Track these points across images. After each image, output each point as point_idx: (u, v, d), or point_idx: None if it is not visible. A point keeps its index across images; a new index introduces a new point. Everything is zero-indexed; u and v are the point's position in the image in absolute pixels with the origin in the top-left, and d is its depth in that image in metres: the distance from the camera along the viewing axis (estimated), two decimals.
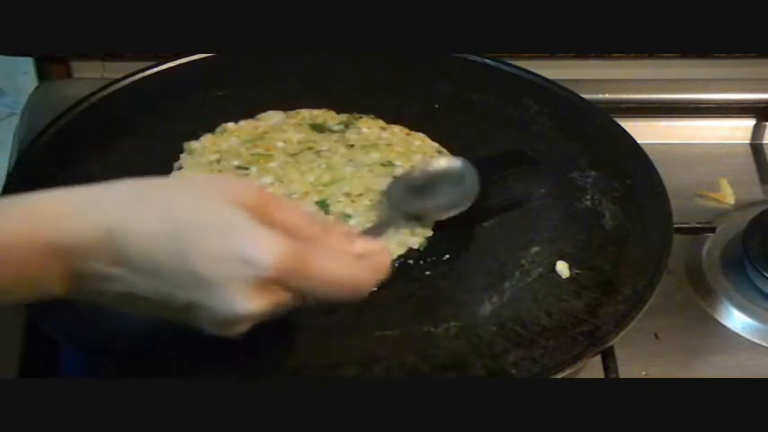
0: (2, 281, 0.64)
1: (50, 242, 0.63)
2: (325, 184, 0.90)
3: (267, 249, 0.63)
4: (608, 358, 0.82)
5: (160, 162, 0.92)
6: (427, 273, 0.85)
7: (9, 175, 0.91)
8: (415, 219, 0.86)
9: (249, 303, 0.64)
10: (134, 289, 0.65)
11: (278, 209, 0.67)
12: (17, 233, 0.63)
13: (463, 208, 0.87)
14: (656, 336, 0.89)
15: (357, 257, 0.68)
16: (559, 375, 0.77)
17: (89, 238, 0.64)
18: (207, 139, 0.94)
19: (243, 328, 0.66)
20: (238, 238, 0.64)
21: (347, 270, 0.67)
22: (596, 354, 0.80)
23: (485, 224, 0.89)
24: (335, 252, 0.68)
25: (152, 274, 0.64)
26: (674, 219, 0.89)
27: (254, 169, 0.91)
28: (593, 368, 0.83)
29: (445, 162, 0.89)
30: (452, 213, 0.87)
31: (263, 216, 0.65)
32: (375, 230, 0.82)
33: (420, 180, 0.88)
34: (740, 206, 1.01)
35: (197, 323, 0.66)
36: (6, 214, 0.65)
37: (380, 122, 0.97)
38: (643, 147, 0.95)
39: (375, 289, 0.71)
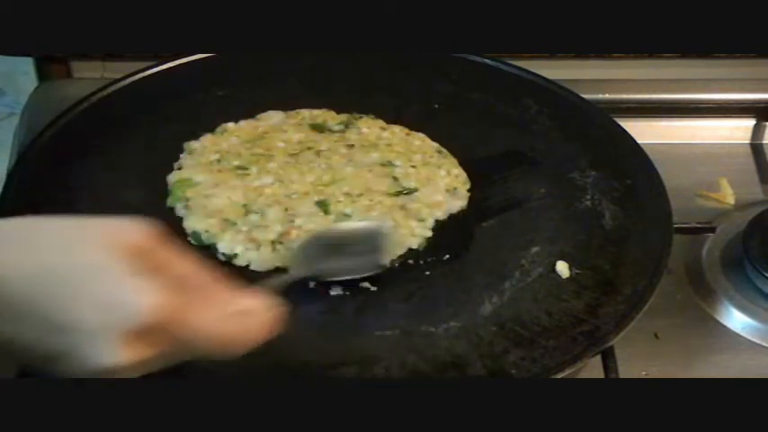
0: None
1: None
2: (325, 184, 0.90)
3: (141, 298, 0.61)
4: (608, 358, 0.82)
5: (160, 162, 0.92)
6: (427, 273, 0.85)
7: (9, 175, 0.91)
8: (319, 275, 0.82)
9: (118, 355, 0.62)
10: (5, 333, 0.63)
11: (166, 258, 0.65)
12: None
13: (371, 273, 0.83)
14: (656, 336, 0.89)
15: (240, 314, 0.66)
16: (559, 375, 0.77)
17: None
18: (207, 139, 0.94)
19: (125, 376, 0.64)
20: (111, 287, 0.62)
21: (225, 326, 0.65)
22: (596, 354, 0.80)
23: (485, 224, 0.89)
24: (218, 306, 0.65)
25: (22, 318, 0.62)
26: (674, 219, 0.89)
27: (254, 169, 0.91)
28: (593, 368, 0.83)
29: (361, 225, 0.85)
30: (357, 276, 0.83)
31: (150, 262, 0.63)
32: (276, 280, 0.78)
33: (334, 240, 0.83)
34: (740, 206, 1.01)
35: (67, 372, 0.64)
36: None
37: (380, 122, 0.97)
38: (643, 147, 0.95)
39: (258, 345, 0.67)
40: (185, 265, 0.66)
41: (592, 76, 1.09)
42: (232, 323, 0.65)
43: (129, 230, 0.64)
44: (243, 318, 0.66)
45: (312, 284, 0.83)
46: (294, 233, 0.85)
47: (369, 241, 0.83)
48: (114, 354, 0.62)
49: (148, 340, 0.62)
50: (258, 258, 0.84)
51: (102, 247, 0.63)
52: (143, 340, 0.62)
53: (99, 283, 0.62)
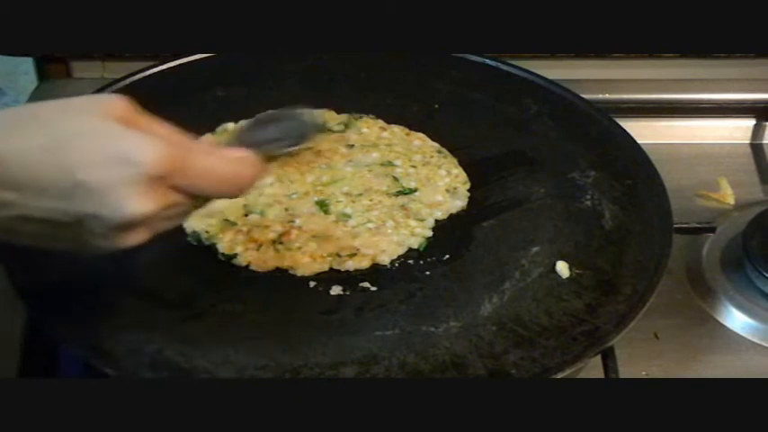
0: None
1: None
2: (325, 184, 0.90)
3: (146, 148, 0.65)
4: (608, 358, 0.82)
5: None
6: (427, 273, 0.85)
7: None
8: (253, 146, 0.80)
9: (136, 203, 0.65)
10: (24, 211, 0.66)
11: (147, 120, 0.69)
12: None
13: (300, 144, 0.79)
14: (656, 336, 0.89)
15: (231, 158, 0.70)
16: (559, 375, 0.77)
17: None
18: (207, 139, 0.94)
19: (138, 236, 0.67)
20: (116, 142, 0.65)
21: (228, 166, 0.69)
22: (596, 354, 0.80)
23: (485, 224, 0.89)
24: (211, 152, 0.70)
25: (38, 192, 0.65)
26: (674, 219, 0.89)
27: None
28: (593, 368, 0.83)
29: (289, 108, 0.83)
30: (288, 148, 0.79)
31: (136, 126, 0.67)
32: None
33: (262, 121, 0.81)
34: (740, 206, 1.01)
35: (91, 238, 0.67)
36: None
37: (380, 122, 0.97)
38: (643, 147, 0.95)
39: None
40: (165, 127, 0.69)
41: (592, 76, 1.09)
42: (231, 164, 0.70)
43: (113, 100, 0.68)
44: (237, 160, 0.70)
45: (312, 284, 0.83)
46: (294, 233, 0.85)
47: (296, 118, 0.82)
48: (131, 204, 0.65)
49: (161, 188, 0.66)
50: (258, 258, 0.84)
51: (98, 113, 0.66)
52: (155, 189, 0.66)
53: (103, 141, 0.65)
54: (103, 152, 0.65)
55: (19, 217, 0.66)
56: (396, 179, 0.91)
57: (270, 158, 0.79)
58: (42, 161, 0.65)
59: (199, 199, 0.69)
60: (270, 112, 0.83)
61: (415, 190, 0.90)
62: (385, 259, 0.85)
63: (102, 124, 0.66)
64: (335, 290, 0.82)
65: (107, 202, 0.65)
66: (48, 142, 0.65)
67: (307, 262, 0.84)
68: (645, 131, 1.02)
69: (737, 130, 1.10)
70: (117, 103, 0.68)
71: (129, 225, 0.66)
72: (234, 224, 0.86)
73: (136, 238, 0.67)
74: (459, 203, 0.90)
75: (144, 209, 0.65)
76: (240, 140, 0.80)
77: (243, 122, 0.85)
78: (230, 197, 0.71)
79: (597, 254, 0.86)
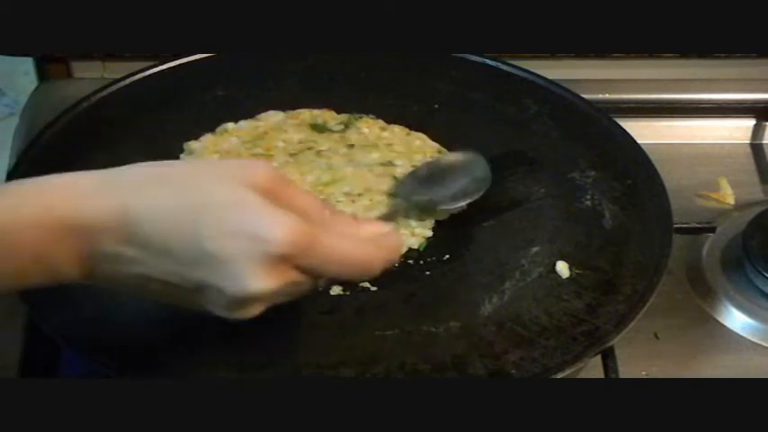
0: (18, 262, 0.65)
1: (65, 222, 0.64)
2: (325, 184, 0.90)
3: (277, 226, 0.64)
4: (608, 358, 0.82)
5: None
6: (427, 273, 0.85)
7: (9, 175, 0.91)
8: (427, 210, 0.87)
9: (259, 281, 0.64)
10: (147, 270, 0.65)
11: (290, 192, 0.68)
12: (32, 213, 0.64)
13: (474, 197, 0.88)
14: (656, 336, 0.89)
15: (368, 238, 0.70)
16: (559, 375, 0.77)
17: (104, 218, 0.64)
18: (207, 139, 0.94)
19: (255, 310, 0.66)
20: (249, 216, 0.64)
21: (358, 249, 0.68)
22: (596, 354, 0.80)
23: (485, 224, 0.89)
24: (346, 233, 0.69)
25: (164, 253, 0.64)
26: (674, 219, 0.89)
27: None
28: (593, 368, 0.83)
29: (454, 155, 0.91)
30: (463, 203, 0.87)
31: (276, 198, 0.66)
32: (385, 219, 0.82)
33: (430, 172, 0.89)
34: (740, 206, 1.01)
35: (209, 306, 0.66)
36: (20, 195, 0.66)
37: (380, 122, 0.97)
38: (643, 147, 0.95)
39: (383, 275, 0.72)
40: (307, 198, 0.69)
41: (592, 76, 1.09)
42: (362, 247, 0.69)
43: (256, 169, 0.67)
44: (371, 242, 0.70)
45: None
46: None
47: (464, 170, 0.88)
48: (253, 281, 0.64)
49: (285, 267, 0.65)
50: None
51: (235, 182, 0.66)
52: (280, 267, 0.65)
53: (236, 213, 0.65)
54: (235, 225, 0.64)
55: (142, 275, 0.66)
56: (396, 179, 0.91)
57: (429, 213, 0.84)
58: (174, 225, 0.64)
59: (323, 279, 0.69)
60: (434, 161, 0.91)
61: None
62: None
63: (240, 195, 0.65)
64: (335, 290, 0.82)
65: (229, 276, 0.64)
66: (183, 206, 0.65)
67: None
68: (645, 131, 1.02)
69: (737, 130, 1.10)
70: (261, 173, 0.67)
71: (247, 300, 0.65)
72: None
73: (253, 311, 0.66)
74: (459, 203, 0.90)
75: (264, 287, 0.65)
76: (405, 196, 0.85)
77: (408, 173, 0.89)
78: (358, 280, 0.71)
79: (597, 254, 0.86)
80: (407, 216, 0.86)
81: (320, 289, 0.69)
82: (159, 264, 0.65)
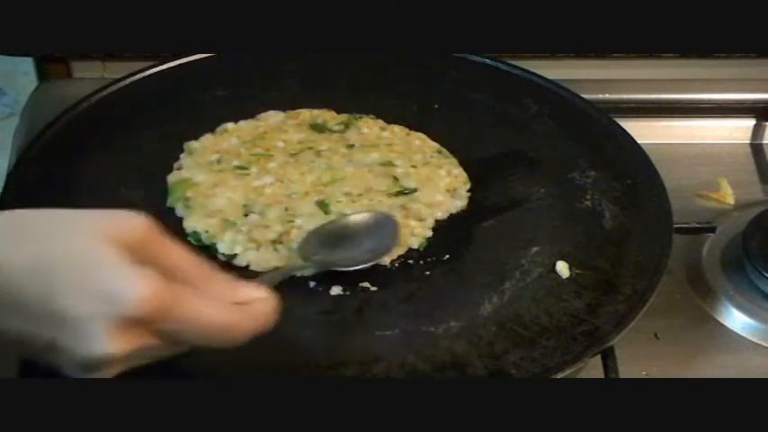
0: None
1: None
2: (325, 184, 0.90)
3: (134, 287, 0.61)
4: (608, 358, 0.82)
5: (160, 162, 0.92)
6: (427, 273, 0.85)
7: (9, 175, 0.91)
8: (325, 267, 0.82)
9: (111, 344, 0.61)
10: (0, 325, 0.63)
11: (162, 248, 0.65)
12: None
13: (378, 260, 0.83)
14: (656, 336, 0.89)
15: (236, 304, 0.66)
16: (559, 375, 0.77)
17: None
18: (207, 139, 0.94)
19: (110, 371, 0.63)
20: (104, 274, 0.61)
21: (222, 316, 0.64)
22: (596, 354, 0.80)
23: (485, 224, 0.89)
24: (214, 297, 0.65)
25: (17, 309, 0.62)
26: (674, 219, 0.89)
27: (254, 169, 0.91)
28: (593, 368, 0.83)
29: (362, 216, 0.86)
30: (365, 265, 0.83)
31: (145, 255, 0.63)
32: (276, 276, 0.78)
33: (334, 232, 0.84)
34: (740, 206, 1.01)
35: (62, 366, 0.64)
36: None
37: (380, 122, 0.97)
38: (643, 147, 0.95)
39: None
40: (181, 256, 0.65)
41: (592, 76, 1.09)
42: (228, 313, 0.65)
43: (124, 222, 0.64)
44: (239, 308, 0.65)
45: (312, 284, 0.83)
46: (294, 233, 0.85)
47: (371, 231, 0.84)
48: (105, 343, 0.61)
49: (141, 330, 0.62)
50: (258, 258, 0.84)
51: (96, 237, 0.62)
52: (135, 330, 0.62)
53: (91, 271, 0.61)
54: (88, 284, 0.61)
55: None
56: (396, 179, 0.91)
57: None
58: (29, 280, 0.61)
59: (183, 344, 0.65)
60: (339, 221, 0.85)
61: (415, 190, 0.90)
62: (385, 259, 0.85)
63: (98, 251, 0.62)
64: (335, 290, 0.82)
65: (80, 337, 0.61)
66: (39, 262, 0.61)
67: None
68: (645, 131, 1.02)
69: (737, 130, 1.10)
70: (129, 226, 0.64)
71: (99, 363, 0.62)
72: (234, 224, 0.86)
73: (108, 372, 0.63)
74: (459, 203, 0.90)
75: (117, 350, 0.61)
76: (306, 257, 0.81)
77: (307, 235, 0.84)
78: (222, 346, 0.66)
79: (597, 254, 0.86)
80: (303, 272, 0.82)
81: (184, 353, 0.65)
82: (12, 319, 0.62)
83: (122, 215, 0.65)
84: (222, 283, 0.67)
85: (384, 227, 0.85)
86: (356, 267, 0.82)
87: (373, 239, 0.84)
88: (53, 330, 0.62)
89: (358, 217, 0.85)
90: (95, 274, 0.61)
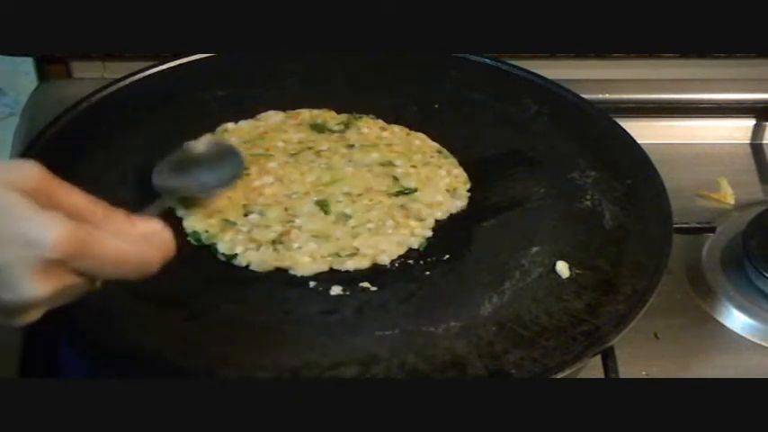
0: None
1: None
2: (325, 184, 0.90)
3: (49, 230, 0.62)
4: (608, 358, 0.82)
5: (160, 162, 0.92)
6: (427, 273, 0.85)
7: None
8: (179, 196, 0.86)
9: (33, 287, 0.62)
10: None
11: (59, 192, 0.66)
12: None
13: (222, 189, 0.87)
14: (656, 336, 0.89)
15: (140, 237, 0.67)
16: (559, 375, 0.77)
17: None
18: (207, 139, 0.94)
19: (33, 315, 0.65)
20: (16, 221, 0.62)
21: (132, 248, 0.66)
22: (596, 354, 0.80)
23: (485, 224, 0.89)
24: (119, 232, 0.67)
25: None
26: (674, 219, 0.89)
27: (254, 169, 0.91)
28: (593, 368, 0.83)
29: (204, 144, 0.89)
30: (211, 194, 0.86)
31: (44, 200, 0.64)
32: (153, 210, 0.79)
33: (183, 160, 0.87)
34: (740, 206, 1.01)
35: None
36: None
37: (380, 122, 0.97)
38: (643, 147, 0.95)
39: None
40: (79, 197, 0.67)
41: (592, 76, 1.09)
42: (135, 246, 0.67)
43: (19, 170, 0.65)
44: (144, 240, 0.67)
45: (312, 284, 0.83)
46: (294, 233, 0.85)
47: (215, 160, 0.87)
48: (28, 287, 0.62)
49: (59, 270, 0.63)
50: (258, 258, 0.84)
51: (2, 188, 0.63)
52: (53, 271, 0.63)
53: (3, 219, 0.62)
54: (4, 231, 0.62)
55: None
56: (396, 179, 0.91)
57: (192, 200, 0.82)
58: None
59: (98, 278, 0.66)
60: (185, 149, 0.89)
61: (415, 190, 0.90)
62: (385, 259, 0.85)
63: (7, 198, 0.63)
64: (335, 290, 0.82)
65: (2, 283, 0.62)
66: None
67: (306, 262, 0.84)
68: (645, 131, 1.02)
69: (737, 130, 1.10)
70: (26, 174, 0.65)
71: (23, 307, 0.63)
72: (234, 224, 0.86)
73: (31, 316, 0.65)
74: (459, 203, 0.90)
75: (40, 293, 0.62)
76: (162, 187, 0.82)
77: (161, 164, 0.87)
78: (133, 279, 0.67)
79: (597, 254, 0.86)
80: (162, 204, 0.83)
81: (98, 288, 0.67)
82: None
83: (14, 164, 0.66)
84: (121, 219, 0.68)
85: (228, 157, 0.88)
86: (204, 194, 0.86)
87: (218, 169, 0.87)
88: None
89: (201, 146, 0.89)
90: (9, 221, 0.62)
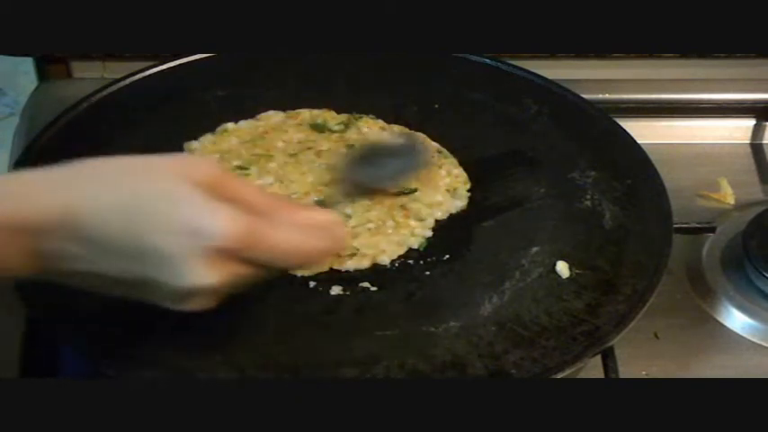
0: None
1: (11, 222, 0.65)
2: (325, 184, 0.90)
3: (219, 221, 0.64)
4: (608, 358, 0.82)
5: None
6: (427, 273, 0.85)
7: None
8: (365, 190, 0.85)
9: (202, 276, 0.65)
10: (91, 266, 0.66)
11: (233, 185, 0.68)
12: None
13: (409, 177, 0.87)
14: (656, 336, 0.89)
15: (312, 227, 0.69)
16: (559, 375, 0.77)
17: (47, 217, 0.65)
18: (207, 139, 0.94)
19: (203, 302, 0.67)
20: (190, 211, 0.65)
21: (302, 239, 0.68)
22: (596, 354, 0.80)
23: (485, 224, 0.89)
24: (290, 223, 0.69)
25: (106, 249, 0.65)
26: (674, 219, 0.89)
27: (254, 169, 0.91)
28: (593, 368, 0.83)
29: (391, 137, 0.91)
30: (399, 182, 0.87)
31: (220, 193, 0.66)
32: (328, 204, 0.82)
33: (368, 154, 0.87)
34: (740, 206, 1.01)
35: (155, 299, 0.67)
36: None
37: (380, 122, 0.97)
38: (643, 147, 0.95)
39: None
40: (252, 190, 0.69)
41: (592, 76, 1.09)
42: (305, 237, 0.69)
43: (197, 165, 0.68)
44: (315, 231, 0.69)
45: (312, 284, 0.83)
46: None
47: (401, 152, 0.87)
48: (197, 274, 0.64)
49: (228, 261, 0.65)
50: None
51: (178, 178, 0.66)
52: (223, 260, 0.65)
53: (177, 209, 0.65)
54: (176, 221, 0.64)
55: (87, 270, 0.66)
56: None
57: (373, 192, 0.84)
58: (114, 221, 0.64)
59: (268, 269, 0.68)
60: (372, 144, 0.90)
61: (415, 190, 0.90)
62: (385, 259, 0.85)
63: (182, 190, 0.65)
64: (335, 290, 0.82)
65: (171, 271, 0.64)
66: (123, 202, 0.65)
67: None
68: (645, 131, 1.02)
69: (737, 130, 1.10)
70: (202, 168, 0.67)
71: (191, 294, 0.66)
72: None
73: (199, 304, 0.67)
74: (459, 203, 0.90)
75: (207, 281, 0.65)
76: (348, 179, 0.83)
77: (348, 158, 0.87)
78: (303, 268, 0.71)
79: (597, 254, 0.86)
80: (348, 198, 0.84)
81: (270, 278, 0.69)
82: (102, 259, 0.65)
83: (194, 159, 0.72)
84: (294, 210, 0.70)
85: (414, 146, 0.88)
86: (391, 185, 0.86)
87: (402, 158, 0.86)
88: (143, 267, 0.65)
89: (388, 139, 0.91)
90: (182, 211, 0.65)
